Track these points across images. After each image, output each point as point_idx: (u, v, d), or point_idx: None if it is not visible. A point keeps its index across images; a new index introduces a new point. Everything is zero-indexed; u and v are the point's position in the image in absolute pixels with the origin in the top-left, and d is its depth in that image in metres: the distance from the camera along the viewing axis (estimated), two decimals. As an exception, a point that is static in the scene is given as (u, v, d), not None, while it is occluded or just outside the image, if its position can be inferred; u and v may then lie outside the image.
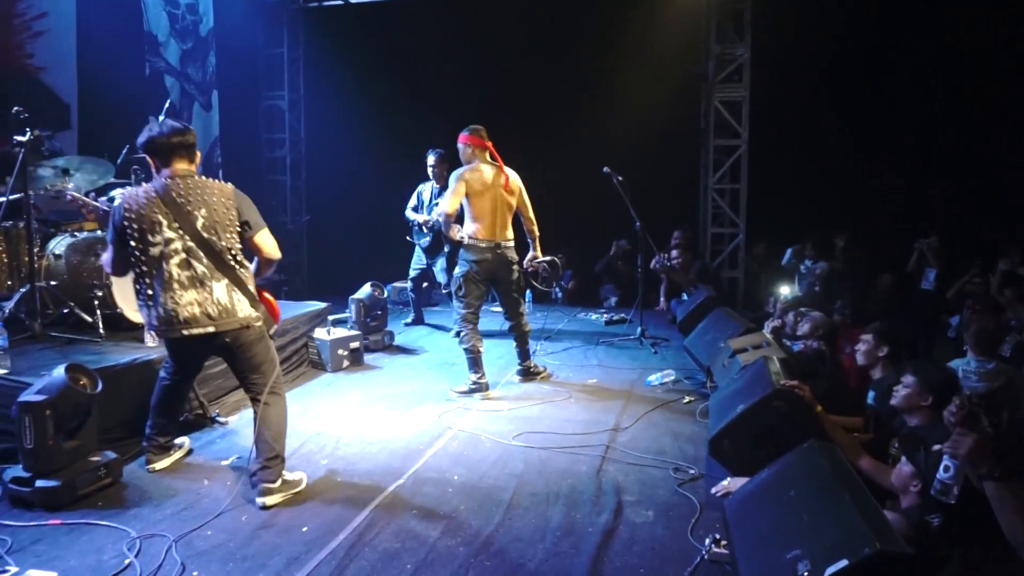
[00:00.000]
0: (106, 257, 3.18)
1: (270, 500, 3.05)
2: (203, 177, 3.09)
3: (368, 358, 5.75)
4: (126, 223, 2.95)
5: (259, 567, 2.58)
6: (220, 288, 3.02)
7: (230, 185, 3.13)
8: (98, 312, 4.37)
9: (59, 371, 3.19)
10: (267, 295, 3.28)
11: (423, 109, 8.66)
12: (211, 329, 3.01)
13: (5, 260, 4.43)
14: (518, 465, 3.59)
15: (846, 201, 8.20)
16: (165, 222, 2.95)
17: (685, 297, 7.46)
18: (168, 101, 7.09)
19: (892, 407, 3.25)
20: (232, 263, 3.06)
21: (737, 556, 2.35)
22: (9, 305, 4.26)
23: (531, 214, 5.02)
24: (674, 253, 7.95)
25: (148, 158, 3.07)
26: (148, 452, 3.48)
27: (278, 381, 3.25)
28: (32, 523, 2.89)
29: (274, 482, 3.09)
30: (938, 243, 6.84)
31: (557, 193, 7.86)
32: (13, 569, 2.48)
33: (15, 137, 4.10)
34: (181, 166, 3.05)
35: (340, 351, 5.41)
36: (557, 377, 5.32)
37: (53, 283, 4.43)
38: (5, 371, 3.58)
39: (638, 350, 6.21)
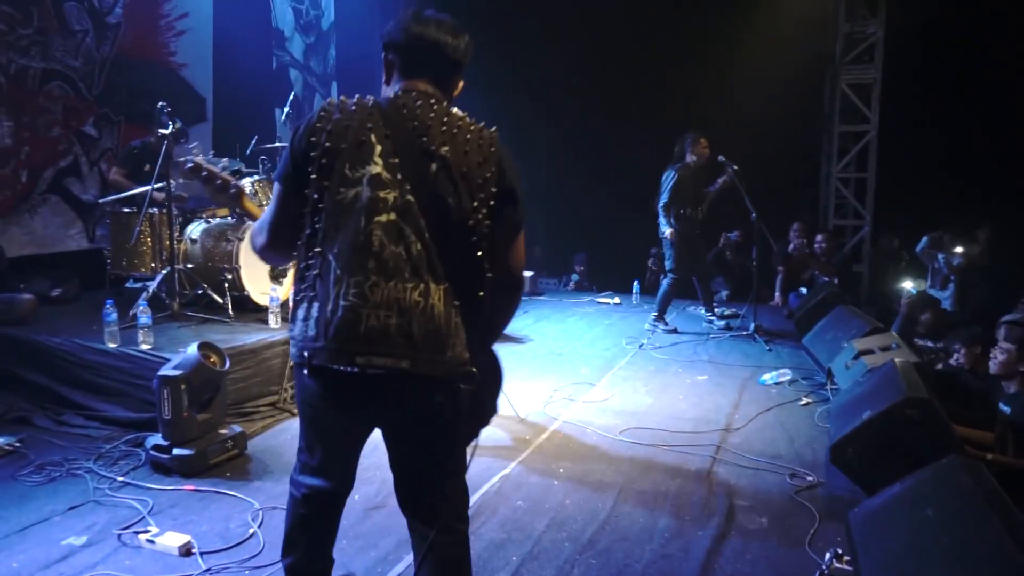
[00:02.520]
0: (261, 219, 1.83)
1: None
2: (455, 109, 1.79)
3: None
4: (313, 138, 1.68)
5: (370, 546, 2.66)
6: (440, 294, 1.67)
7: (494, 130, 1.79)
8: (228, 294, 4.67)
9: (192, 348, 3.42)
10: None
11: (544, 96, 8.63)
12: (404, 364, 1.64)
13: (150, 244, 4.81)
14: (624, 461, 3.52)
15: (987, 193, 7.48)
16: (379, 148, 1.67)
17: (804, 291, 7.09)
18: (292, 93, 7.45)
19: None
20: (471, 259, 1.70)
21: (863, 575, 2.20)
22: (152, 286, 4.63)
23: None
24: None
25: (384, 59, 1.83)
26: None
27: (464, 507, 1.91)
28: (170, 487, 3.12)
29: None
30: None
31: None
32: (154, 530, 2.69)
33: (159, 130, 4.43)
34: (426, 85, 1.78)
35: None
36: (666, 371, 5.19)
37: (190, 266, 4.77)
38: (149, 347, 3.89)
39: (751, 346, 5.96)
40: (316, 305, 1.67)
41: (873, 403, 3.19)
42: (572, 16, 8.26)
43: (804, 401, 4.49)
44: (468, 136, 1.71)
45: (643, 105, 8.41)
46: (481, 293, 1.73)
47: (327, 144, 1.66)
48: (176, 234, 4.67)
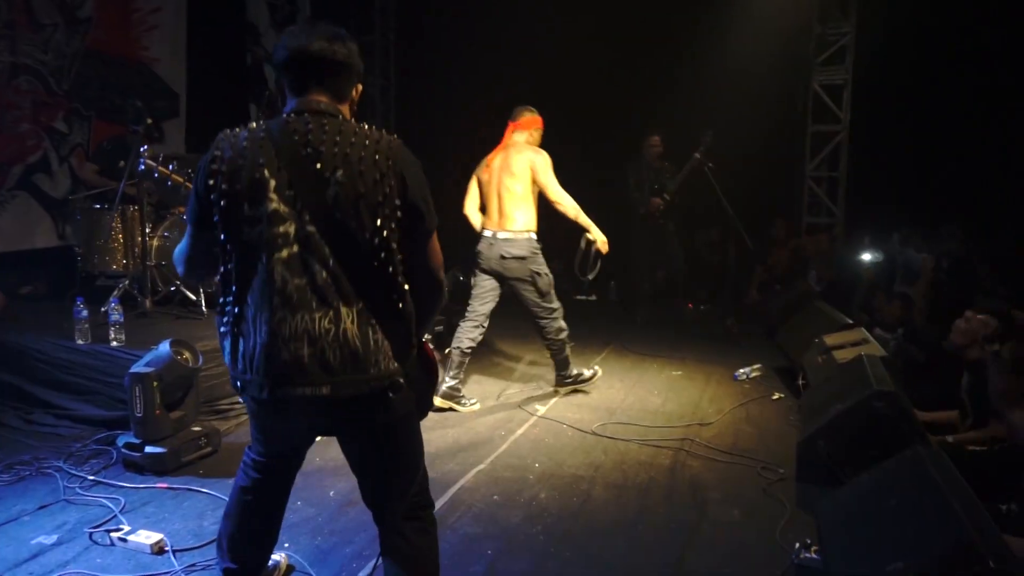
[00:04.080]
0: (179, 248, 1.90)
1: None
2: (352, 121, 1.79)
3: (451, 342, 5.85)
4: (211, 181, 1.70)
5: (345, 542, 2.67)
6: (353, 317, 1.70)
7: (397, 139, 1.78)
8: (201, 290, 4.62)
9: (165, 345, 3.39)
10: (428, 344, 1.98)
11: (515, 90, 8.58)
12: (324, 391, 1.70)
13: (121, 240, 4.74)
14: (599, 455, 3.56)
15: (957, 192, 7.64)
16: (273, 183, 1.67)
17: (778, 288, 7.19)
18: (267, 91, 7.39)
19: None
20: (383, 275, 1.73)
21: (829, 564, 2.25)
22: (124, 282, 4.57)
23: (552, 195, 4.26)
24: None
25: (277, 83, 1.93)
26: None
27: (424, 496, 1.99)
28: (142, 485, 3.10)
29: None
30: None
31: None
32: (126, 528, 2.67)
33: (133, 126, 4.38)
34: (319, 98, 1.76)
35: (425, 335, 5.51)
36: (641, 367, 5.24)
37: (163, 263, 4.71)
38: (120, 344, 3.85)
39: (725, 342, 6.03)
40: (241, 340, 1.75)
41: (843, 397, 3.26)
42: (550, 17, 8.28)
43: (776, 396, 4.56)
44: (363, 154, 1.69)
45: (616, 105, 8.44)
46: (400, 304, 1.76)
47: (224, 187, 1.68)
48: (148, 230, 4.62)
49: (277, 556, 2.42)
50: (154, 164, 2.21)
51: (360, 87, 1.87)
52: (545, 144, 4.46)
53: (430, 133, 9.32)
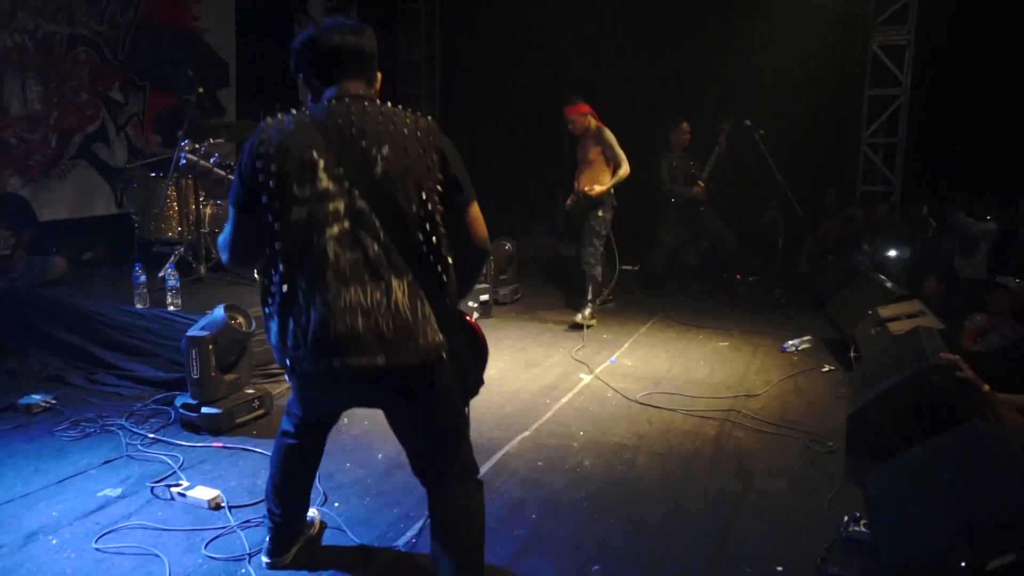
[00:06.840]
0: (223, 236, 1.93)
1: None
2: (387, 104, 1.86)
3: (497, 311, 5.88)
4: (258, 164, 1.74)
5: (393, 503, 2.73)
6: (403, 288, 1.76)
7: (431, 119, 1.87)
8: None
9: (219, 310, 3.49)
10: (470, 319, 2.03)
11: (560, 59, 8.48)
12: (380, 360, 1.74)
13: (176, 209, 4.87)
14: (643, 425, 3.55)
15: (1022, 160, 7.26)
16: (322, 163, 1.73)
17: (830, 259, 7.00)
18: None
19: None
20: (429, 247, 1.79)
21: (879, 537, 2.21)
22: (179, 249, 4.71)
23: None
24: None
25: (304, 80, 1.91)
26: (270, 540, 2.31)
27: (470, 460, 2.04)
28: (199, 444, 3.22)
29: None
30: None
31: (693, 147, 7.56)
32: (185, 483, 2.78)
33: (184, 95, 4.47)
34: (356, 85, 1.84)
35: (470, 303, 5.55)
36: (687, 338, 5.18)
37: (216, 230, 4.83)
38: (176, 308, 3.98)
39: (774, 313, 5.92)
40: (291, 319, 1.78)
41: (897, 370, 3.18)
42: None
43: (826, 368, 4.47)
44: (405, 131, 1.78)
45: (667, 67, 8.23)
46: (445, 277, 1.82)
47: (272, 168, 1.73)
48: (202, 199, 4.73)
49: (313, 512, 2.50)
50: (195, 159, 2.14)
51: (379, 73, 1.95)
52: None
53: (474, 100, 9.28)
